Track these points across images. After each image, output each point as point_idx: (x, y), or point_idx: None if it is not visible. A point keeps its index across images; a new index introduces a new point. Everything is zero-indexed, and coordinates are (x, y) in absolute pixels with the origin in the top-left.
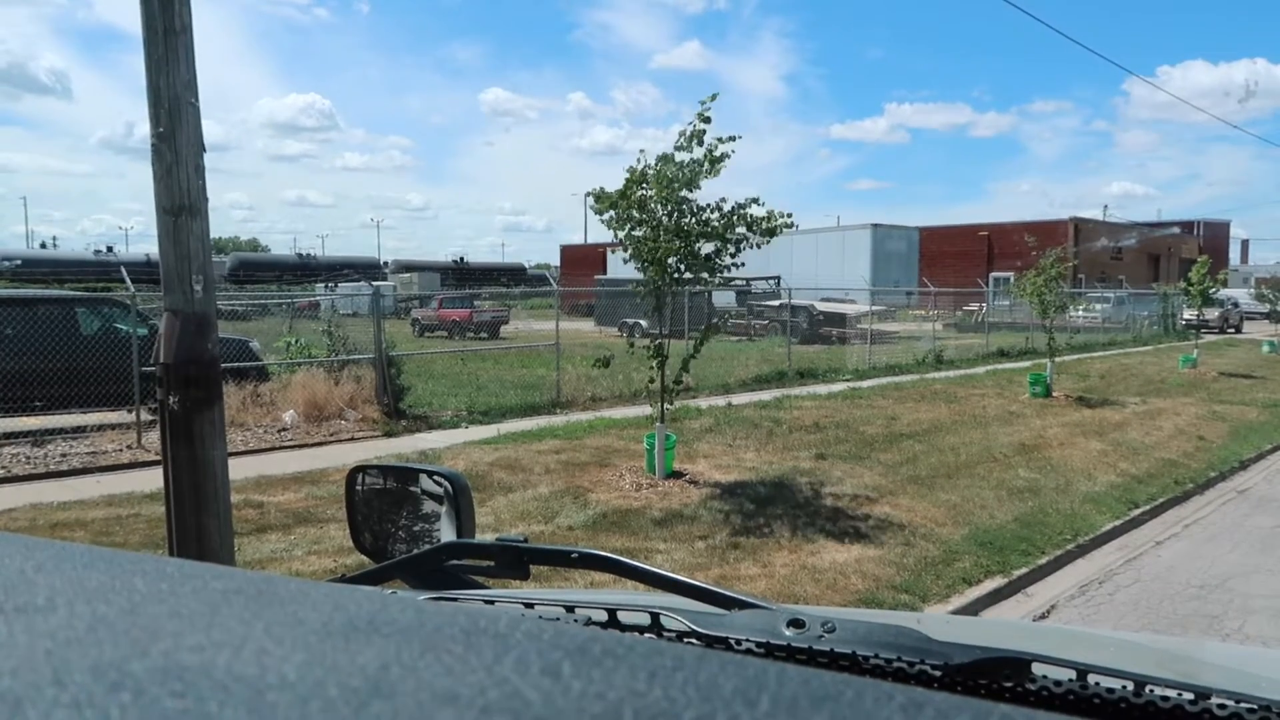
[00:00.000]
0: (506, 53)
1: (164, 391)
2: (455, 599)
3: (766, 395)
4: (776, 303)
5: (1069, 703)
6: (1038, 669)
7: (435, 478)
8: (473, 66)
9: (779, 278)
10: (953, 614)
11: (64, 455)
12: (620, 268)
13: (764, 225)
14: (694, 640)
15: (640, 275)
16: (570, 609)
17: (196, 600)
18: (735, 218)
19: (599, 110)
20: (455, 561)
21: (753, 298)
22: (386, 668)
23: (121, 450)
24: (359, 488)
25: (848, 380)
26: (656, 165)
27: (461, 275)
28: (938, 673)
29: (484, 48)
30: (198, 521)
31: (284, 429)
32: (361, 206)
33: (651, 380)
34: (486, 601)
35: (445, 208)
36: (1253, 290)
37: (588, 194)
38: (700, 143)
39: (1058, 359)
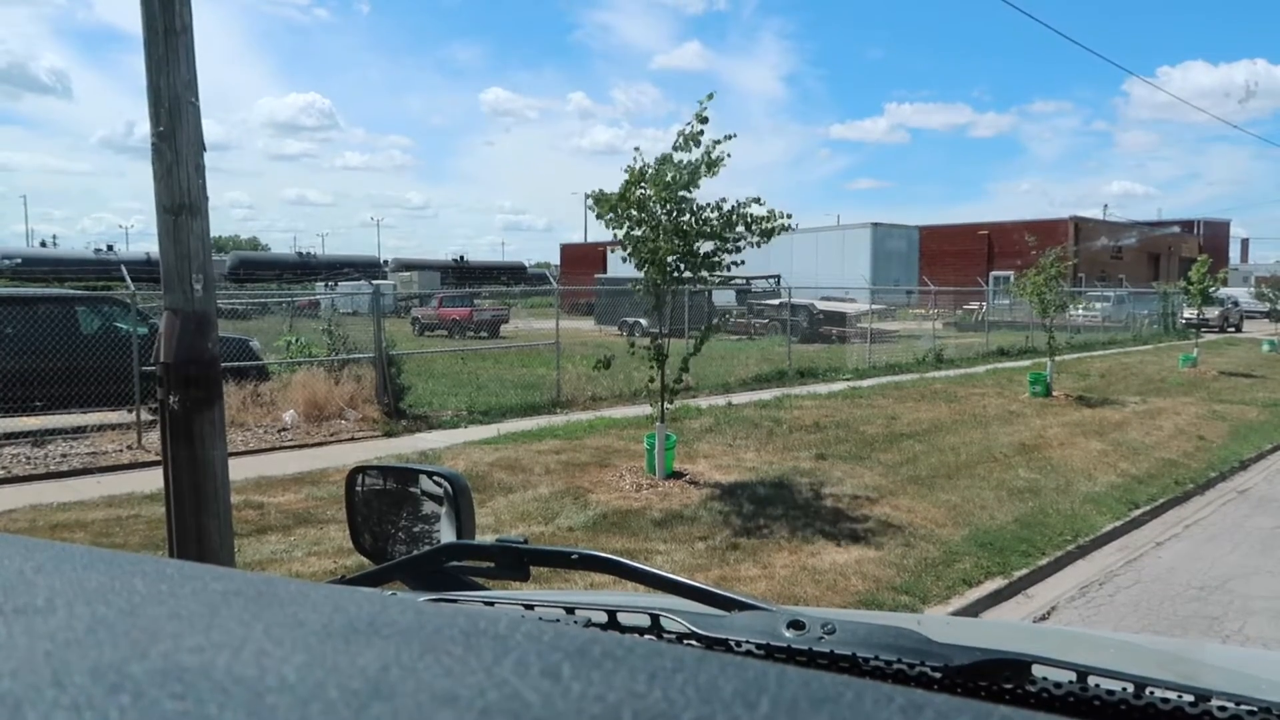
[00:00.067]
0: (507, 53)
1: (164, 391)
2: (455, 600)
3: (767, 395)
4: (776, 302)
5: (1069, 704)
6: (1038, 671)
7: (435, 478)
8: (473, 66)
9: (779, 277)
10: (953, 615)
11: (64, 455)
12: (620, 267)
13: (764, 225)
14: (694, 642)
15: (640, 274)
16: (570, 610)
17: (196, 602)
18: (735, 217)
19: (599, 110)
20: (455, 563)
21: (753, 297)
22: (386, 669)
23: (121, 450)
24: (359, 488)
25: (848, 379)
26: (655, 166)
27: (461, 274)
28: (938, 674)
29: (484, 48)
30: (198, 522)
31: (284, 429)
32: (361, 205)
33: (651, 380)
34: (486, 603)
35: (445, 207)
36: (1253, 289)
37: (588, 196)
38: (698, 144)
39: (1058, 358)
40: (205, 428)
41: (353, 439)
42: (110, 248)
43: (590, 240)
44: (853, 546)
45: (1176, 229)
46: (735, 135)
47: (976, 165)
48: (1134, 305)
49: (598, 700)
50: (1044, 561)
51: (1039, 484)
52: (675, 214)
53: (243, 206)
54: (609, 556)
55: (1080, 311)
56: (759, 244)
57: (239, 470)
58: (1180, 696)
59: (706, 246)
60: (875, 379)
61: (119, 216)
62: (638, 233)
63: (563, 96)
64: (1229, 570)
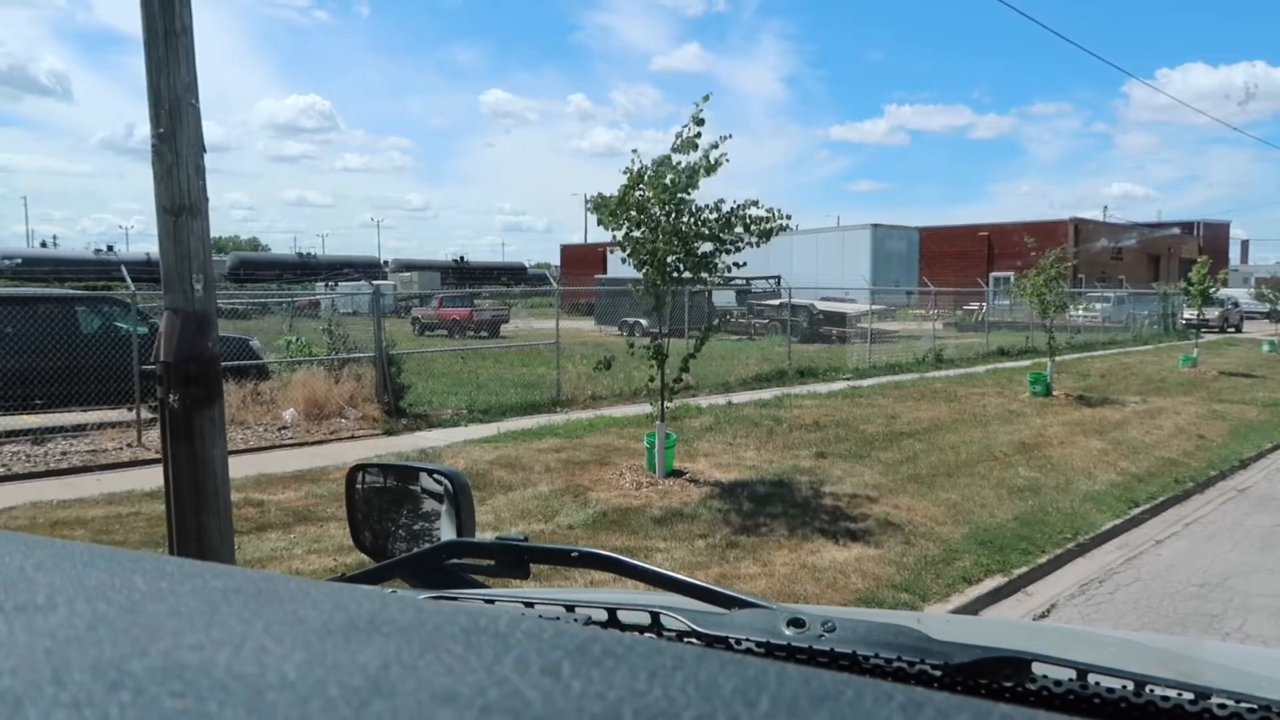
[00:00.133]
0: (507, 54)
1: (164, 390)
2: (455, 598)
3: (767, 394)
4: (777, 302)
5: (1069, 702)
6: (1038, 668)
7: (435, 476)
8: (473, 68)
9: (779, 277)
10: (953, 613)
11: (64, 453)
12: (620, 267)
13: (763, 226)
14: (694, 640)
15: (640, 275)
16: (570, 608)
17: (196, 599)
18: (733, 218)
19: (599, 112)
20: (455, 560)
21: (753, 297)
22: (387, 667)
23: (121, 448)
24: (359, 486)
25: (848, 379)
26: (654, 168)
27: (462, 274)
28: (938, 672)
29: (484, 49)
30: (198, 520)
31: (284, 427)
32: (361, 207)
33: (652, 379)
34: (486, 600)
35: (445, 208)
36: (1253, 290)
37: (588, 200)
38: (695, 148)
39: (1058, 358)
40: (205, 426)
41: (353, 437)
42: (110, 248)
43: (590, 241)
44: (853, 544)
45: (1176, 230)
46: (731, 136)
47: (976, 167)
48: (1134, 306)
49: (598, 698)
50: (1044, 559)
51: (1039, 482)
52: (674, 216)
53: (243, 207)
54: (609, 554)
55: (1080, 312)
56: (758, 244)
57: (239, 468)
58: (1180, 694)
59: (706, 247)
60: (875, 379)
61: (119, 217)
62: (637, 234)
63: (563, 98)
64: (1229, 568)
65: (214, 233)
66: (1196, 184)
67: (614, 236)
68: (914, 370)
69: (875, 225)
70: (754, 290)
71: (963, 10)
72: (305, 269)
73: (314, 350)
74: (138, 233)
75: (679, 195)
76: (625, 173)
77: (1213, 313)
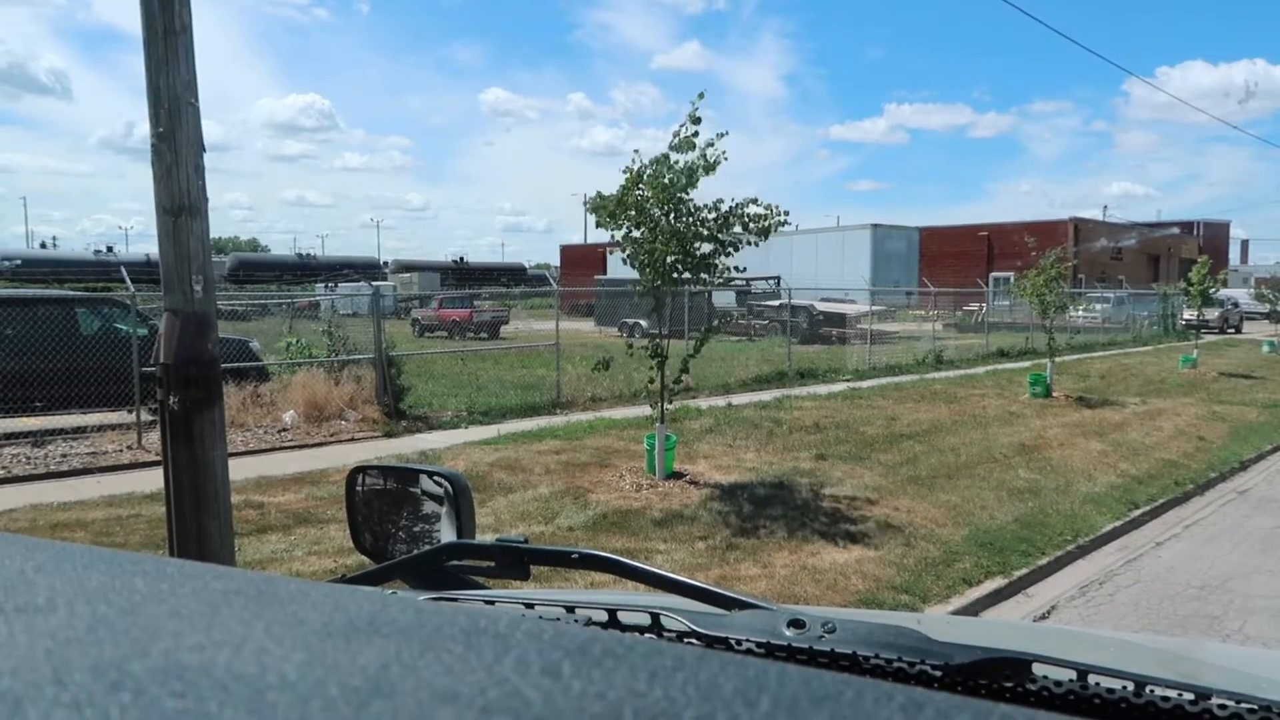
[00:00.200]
0: (507, 53)
1: (164, 391)
2: (455, 599)
3: (766, 395)
4: (776, 303)
5: (1069, 703)
6: (1038, 669)
7: (435, 478)
8: (473, 67)
9: (779, 278)
10: (953, 614)
11: (64, 455)
12: (620, 268)
13: (761, 223)
14: (694, 640)
15: (639, 276)
16: (570, 609)
17: (197, 600)
18: (731, 217)
19: (599, 110)
20: (455, 562)
21: (753, 298)
22: (387, 668)
23: (122, 450)
24: (359, 488)
25: (848, 380)
26: (652, 168)
27: (461, 275)
28: (938, 673)
29: (484, 48)
30: (198, 522)
31: (284, 429)
32: (361, 206)
33: (651, 380)
34: (487, 602)
35: (445, 208)
36: (1253, 290)
37: (586, 202)
38: (693, 147)
39: (1058, 359)
40: (205, 428)
41: (353, 439)
42: (110, 249)
43: (590, 242)
44: (853, 546)
45: (1176, 230)
46: (727, 133)
47: (976, 166)
48: (1134, 306)
49: (598, 698)
50: (1044, 561)
51: (1039, 484)
52: (673, 216)
53: (242, 208)
54: (609, 556)
55: (1080, 313)
56: (756, 242)
57: (239, 470)
58: (1180, 695)
59: (705, 248)
60: (875, 380)
61: (118, 218)
62: (636, 234)
63: (562, 97)
64: (1229, 570)
65: (213, 233)
66: (1196, 183)
67: (613, 237)
68: (914, 371)
69: (875, 225)
70: (754, 291)
71: (963, 9)
72: (305, 270)
73: (314, 352)
74: (137, 233)
75: (678, 195)
76: (625, 172)
77: (1212, 313)
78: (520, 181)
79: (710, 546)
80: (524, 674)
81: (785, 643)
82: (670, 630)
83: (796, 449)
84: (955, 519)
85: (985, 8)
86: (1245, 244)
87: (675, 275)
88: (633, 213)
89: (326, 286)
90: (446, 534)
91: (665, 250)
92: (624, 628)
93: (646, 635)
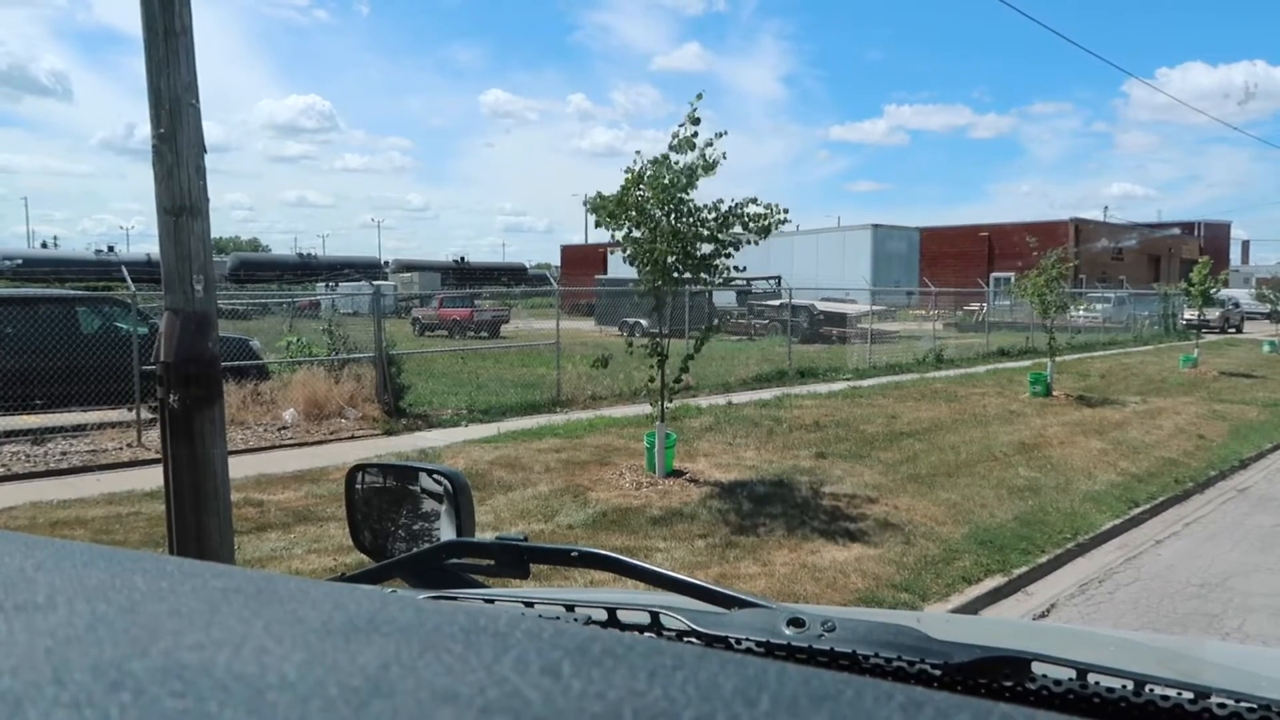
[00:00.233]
0: (507, 54)
1: (164, 390)
2: (455, 598)
3: (767, 394)
4: (777, 302)
5: (1069, 702)
6: (1038, 668)
7: (435, 476)
8: (473, 68)
9: (779, 278)
10: (953, 613)
11: (64, 453)
12: (620, 268)
13: (760, 222)
14: (694, 639)
15: (639, 275)
16: (570, 608)
17: (196, 599)
18: (731, 216)
19: (599, 112)
20: (455, 560)
21: (753, 297)
22: (386, 667)
23: (121, 448)
24: (359, 486)
25: (848, 379)
26: (652, 168)
27: (462, 275)
28: (938, 672)
29: (484, 49)
30: (198, 520)
31: (284, 427)
32: (362, 207)
33: (652, 379)
34: (486, 600)
35: (446, 208)
36: (1253, 290)
37: (585, 201)
38: (692, 147)
39: (1058, 358)
40: (205, 426)
41: (353, 437)
42: (111, 249)
43: (590, 242)
44: (852, 544)
45: (1177, 231)
46: (726, 133)
47: (976, 167)
48: (1134, 306)
49: (598, 698)
50: (1043, 559)
51: (1039, 482)
52: (674, 216)
53: (243, 208)
54: (609, 554)
55: (1081, 312)
56: (756, 241)
57: (239, 468)
58: (1180, 694)
59: (705, 249)
60: (875, 379)
61: (119, 218)
62: (637, 234)
63: (563, 98)
64: (1229, 568)
65: (214, 233)
66: (1196, 184)
67: (614, 237)
68: (914, 370)
69: (876, 226)
70: (754, 290)
71: (963, 10)
72: (305, 269)
73: (314, 351)
74: (138, 233)
75: (678, 195)
76: (626, 173)
77: (1213, 313)
78: (521, 182)
79: (710, 544)
80: (524, 673)
81: (785, 641)
82: (670, 629)
83: (796, 447)
84: (955, 517)
85: (985, 8)
86: (1246, 244)
87: (675, 275)
88: (633, 213)
89: (327, 286)
90: (446, 532)
91: (666, 250)
92: (624, 626)
93: (646, 634)
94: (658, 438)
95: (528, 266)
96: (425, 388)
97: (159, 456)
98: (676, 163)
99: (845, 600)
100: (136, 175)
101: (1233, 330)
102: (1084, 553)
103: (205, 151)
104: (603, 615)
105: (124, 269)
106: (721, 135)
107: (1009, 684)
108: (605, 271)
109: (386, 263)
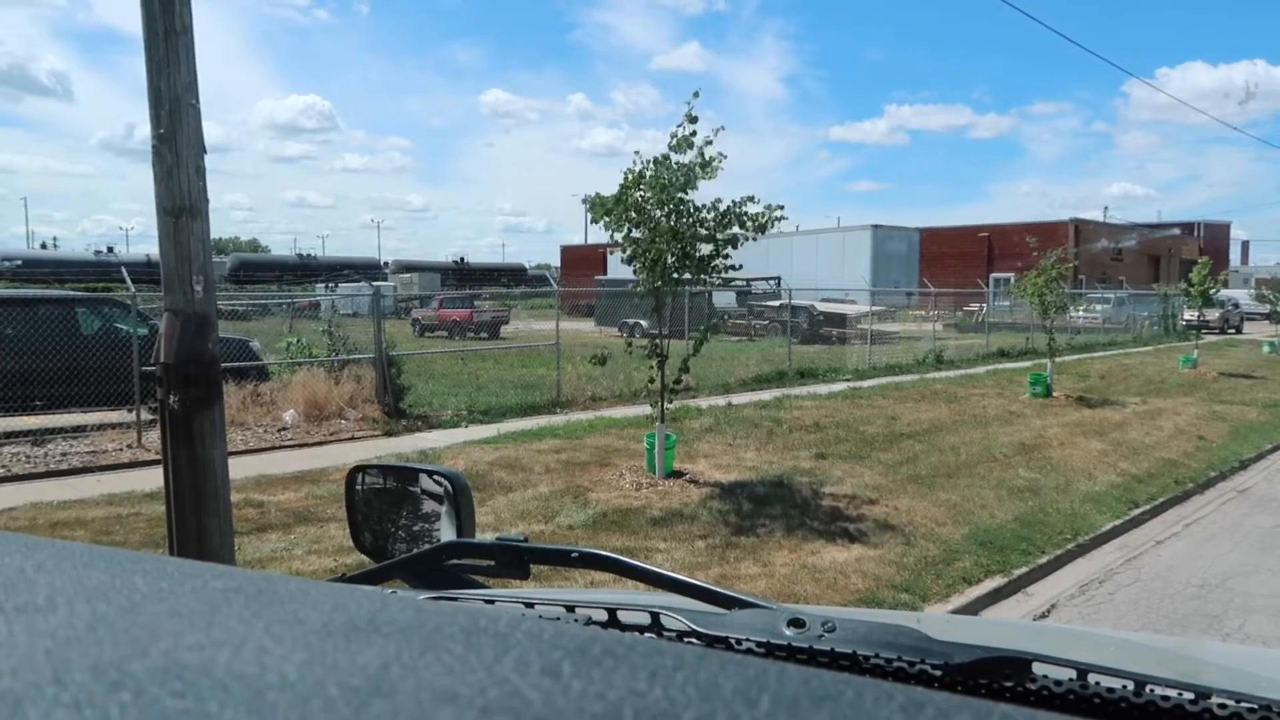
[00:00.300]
0: (506, 54)
1: (164, 391)
2: (455, 599)
3: (767, 395)
4: (777, 303)
5: (1069, 702)
6: (1038, 668)
7: (435, 477)
8: (473, 68)
9: (779, 278)
10: (953, 613)
11: (64, 454)
12: (620, 268)
13: (759, 220)
14: (694, 640)
15: (639, 276)
16: (570, 608)
17: (196, 599)
18: (729, 216)
19: (599, 111)
20: (455, 561)
21: (753, 298)
22: (387, 667)
23: (121, 449)
24: (359, 487)
25: (848, 380)
26: (652, 168)
27: (462, 275)
28: (938, 672)
29: (484, 49)
30: (198, 521)
31: (284, 428)
32: (361, 207)
33: (651, 380)
34: (486, 601)
35: (445, 209)
36: (1253, 291)
37: (584, 201)
38: (691, 146)
39: (1058, 359)
40: (205, 427)
41: (353, 438)
42: (110, 249)
43: (590, 242)
44: (853, 545)
45: (1176, 231)
46: (724, 128)
47: (976, 167)
48: (1134, 307)
49: (598, 698)
50: (1044, 560)
51: (1039, 483)
52: (673, 216)
53: (243, 208)
54: (609, 555)
55: (1080, 313)
56: (754, 239)
57: (239, 469)
58: (1180, 694)
59: (705, 249)
60: (875, 380)
61: (119, 218)
62: (636, 234)
63: (563, 98)
64: (1229, 568)
65: (214, 234)
66: (1196, 184)
67: (613, 237)
68: (914, 371)
69: (875, 226)
70: (754, 291)
71: (963, 10)
72: (305, 270)
73: (314, 351)
74: (138, 234)
75: (677, 195)
76: (625, 173)
77: (1213, 314)
78: (520, 182)
79: (710, 545)
80: (524, 674)
81: (785, 642)
82: (670, 630)
83: (796, 448)
84: (955, 518)
85: (985, 8)
86: (1246, 245)
87: (675, 275)
88: (632, 213)
89: (327, 287)
90: (446, 533)
91: (665, 250)
92: (624, 627)
93: (646, 635)
94: (658, 438)
95: (527, 267)
96: (425, 389)
97: (159, 457)
98: (676, 163)
99: (845, 601)
100: (136, 176)
101: (1232, 331)
102: (1084, 553)
103: (205, 152)
104: (603, 616)
105: (124, 270)
106: (719, 131)
107: (1009, 684)
108: (605, 272)
109: (386, 263)
